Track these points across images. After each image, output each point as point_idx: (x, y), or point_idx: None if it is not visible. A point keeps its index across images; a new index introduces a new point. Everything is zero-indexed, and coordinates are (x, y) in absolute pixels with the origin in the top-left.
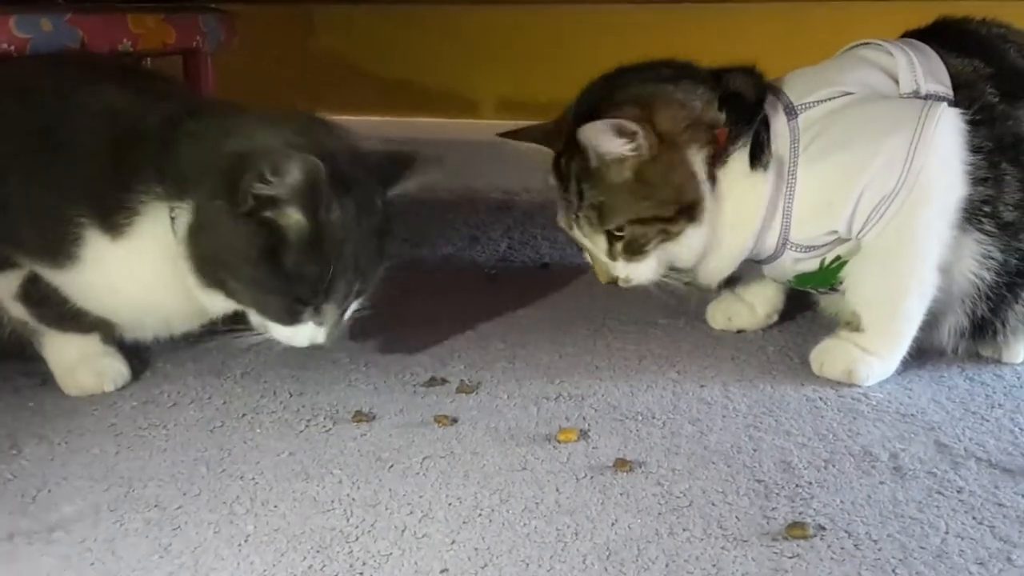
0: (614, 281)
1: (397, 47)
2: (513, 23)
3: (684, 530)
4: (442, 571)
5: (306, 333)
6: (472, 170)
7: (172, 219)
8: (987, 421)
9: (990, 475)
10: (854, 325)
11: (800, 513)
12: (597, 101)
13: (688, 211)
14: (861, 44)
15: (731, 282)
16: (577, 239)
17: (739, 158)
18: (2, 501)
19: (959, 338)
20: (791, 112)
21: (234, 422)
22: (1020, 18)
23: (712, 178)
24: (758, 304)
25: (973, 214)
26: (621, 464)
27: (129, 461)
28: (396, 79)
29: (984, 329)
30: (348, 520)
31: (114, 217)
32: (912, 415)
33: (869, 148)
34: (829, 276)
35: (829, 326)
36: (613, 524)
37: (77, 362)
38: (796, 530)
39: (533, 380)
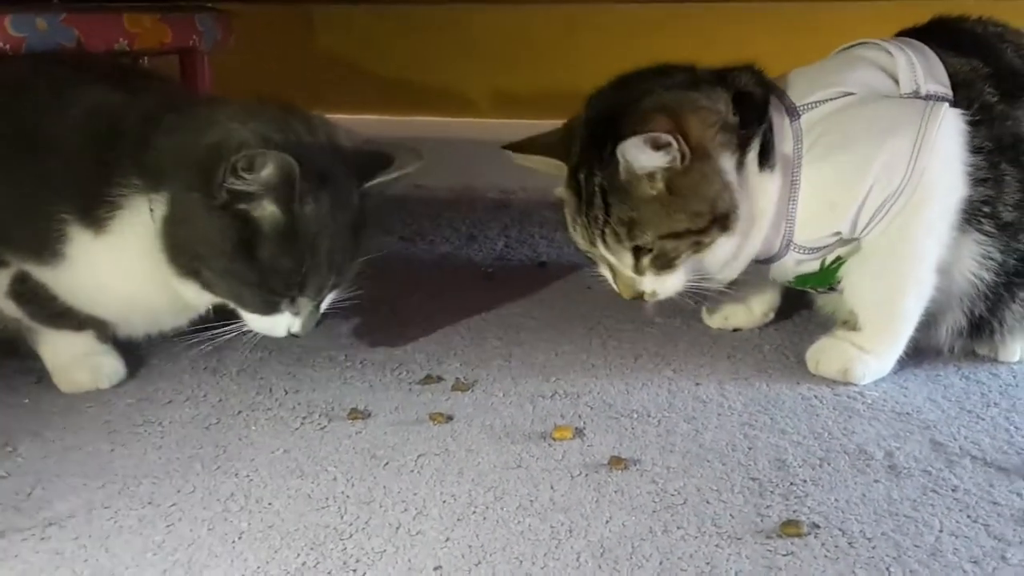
0: (639, 296)
1: (396, 46)
2: (513, 22)
3: (678, 528)
4: (436, 568)
5: (282, 323)
6: (470, 169)
7: (152, 212)
8: (982, 420)
9: (985, 474)
10: (851, 324)
11: (794, 511)
12: (618, 111)
13: (721, 221)
14: (859, 44)
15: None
16: (599, 255)
17: (751, 160)
18: None
19: (957, 337)
20: (793, 113)
21: (229, 419)
22: (1015, 16)
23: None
24: (754, 303)
25: (973, 215)
26: (616, 462)
27: (124, 458)
28: (395, 78)
29: (981, 328)
30: (342, 517)
31: (96, 212)
32: (908, 414)
33: (873, 149)
34: (829, 276)
35: (825, 325)
36: (607, 522)
37: (72, 359)
38: (790, 528)
39: (529, 378)
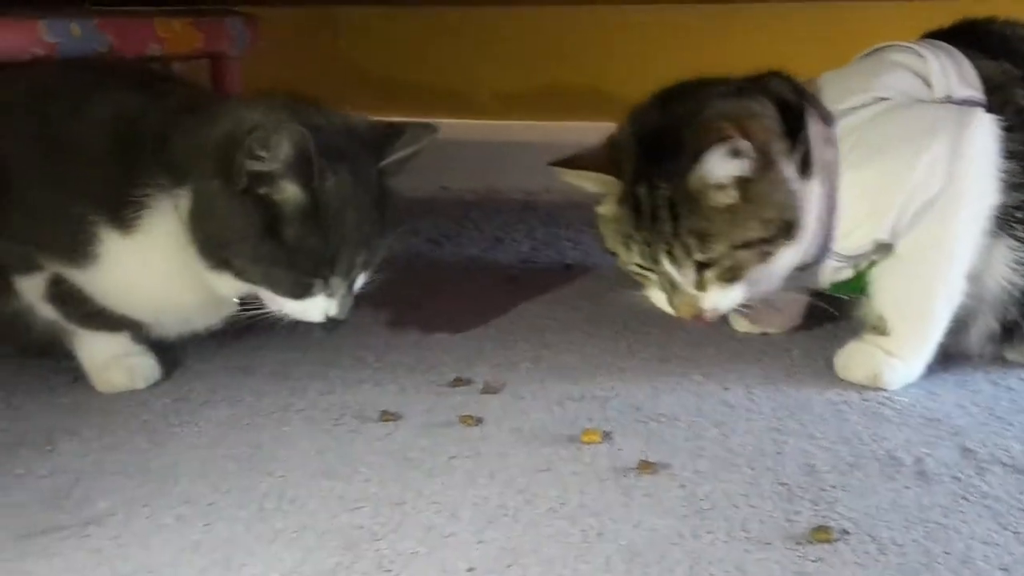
0: (698, 315)
1: (421, 49)
2: (539, 24)
3: (708, 532)
4: (469, 570)
5: (319, 306)
6: (495, 171)
7: (177, 209)
8: (1012, 426)
9: (1016, 481)
10: (880, 329)
11: (824, 517)
12: (674, 123)
13: (787, 228)
14: (889, 46)
15: None
16: (658, 273)
17: (794, 164)
18: (37, 496)
19: (988, 342)
20: (829, 119)
21: (263, 420)
22: None
23: None
24: (782, 307)
25: (1006, 221)
26: (645, 466)
27: (161, 457)
28: (420, 80)
29: (1013, 333)
30: (375, 518)
31: (123, 213)
32: (937, 420)
33: (912, 155)
34: (861, 281)
35: (853, 329)
36: (637, 525)
37: (108, 360)
38: (820, 534)
39: (557, 381)
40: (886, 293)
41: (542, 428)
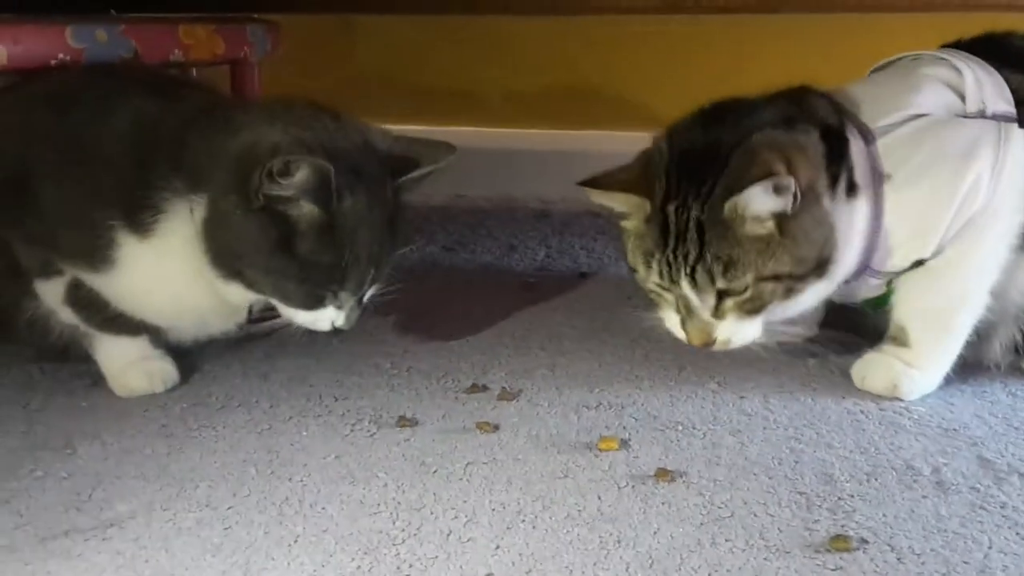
0: (709, 343)
1: (437, 56)
2: (554, 34)
3: (726, 540)
4: (487, 575)
5: (326, 317)
6: (510, 179)
7: (192, 213)
8: None
9: None
10: (900, 340)
11: (842, 526)
12: (719, 146)
13: (821, 267)
14: (922, 57)
15: None
16: (675, 295)
17: (840, 191)
18: (58, 498)
19: (1008, 353)
20: (869, 137)
21: (281, 425)
22: None
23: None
24: (798, 317)
25: None
26: (662, 474)
27: (180, 461)
28: (436, 88)
29: None
30: (394, 523)
31: (141, 217)
32: (954, 430)
33: (956, 173)
34: (890, 295)
35: (869, 339)
36: (655, 533)
37: (127, 364)
38: (839, 543)
39: (573, 388)
40: (910, 306)
41: (559, 435)
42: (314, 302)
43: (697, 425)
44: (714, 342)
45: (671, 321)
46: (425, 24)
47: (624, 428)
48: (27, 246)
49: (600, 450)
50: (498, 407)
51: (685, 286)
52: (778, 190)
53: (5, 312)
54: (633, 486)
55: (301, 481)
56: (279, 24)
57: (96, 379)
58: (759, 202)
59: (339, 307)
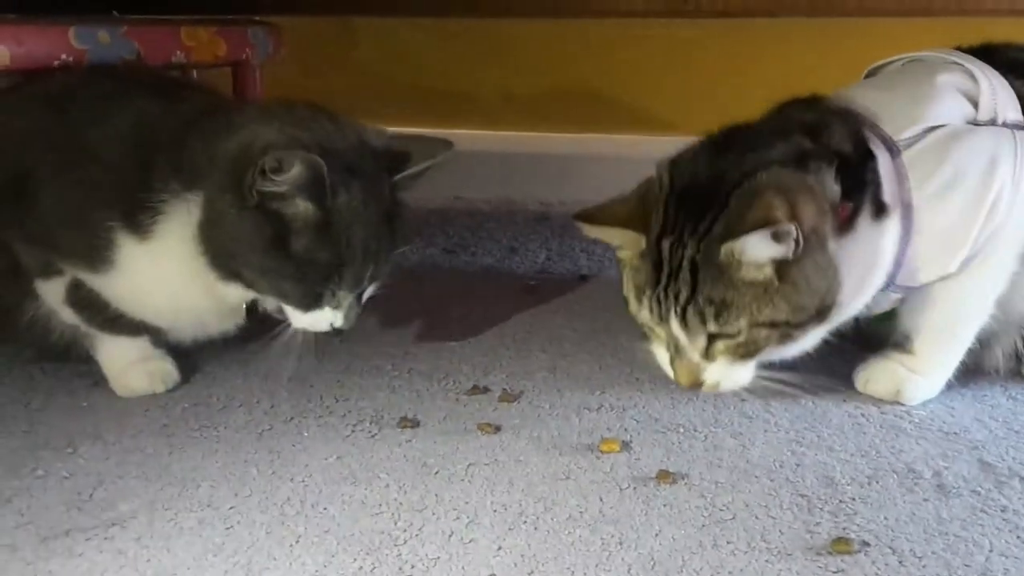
0: (697, 385)
1: (438, 59)
2: (553, 36)
3: (728, 543)
4: None
5: (325, 318)
6: (509, 181)
7: (190, 214)
8: None
9: None
10: (905, 347)
11: (844, 529)
12: (721, 182)
13: (823, 313)
14: (935, 61)
15: None
16: (665, 333)
17: (864, 216)
18: (60, 498)
19: (1010, 359)
20: (894, 151)
21: (282, 425)
22: None
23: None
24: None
25: None
26: (664, 476)
27: (182, 461)
28: (435, 90)
29: None
30: (396, 524)
31: (139, 218)
32: (955, 433)
33: (982, 186)
34: (897, 305)
35: (868, 342)
36: (657, 535)
37: (128, 364)
38: (841, 545)
39: (574, 390)
40: (919, 316)
41: (560, 437)
42: (312, 301)
43: (698, 427)
44: (702, 384)
45: (661, 357)
46: (426, 26)
47: (625, 430)
48: (27, 246)
49: (602, 452)
50: (499, 409)
51: (675, 326)
52: (778, 237)
53: (6, 313)
54: (635, 488)
55: (303, 481)
56: (280, 27)
57: (97, 379)
58: (758, 248)
59: (337, 307)
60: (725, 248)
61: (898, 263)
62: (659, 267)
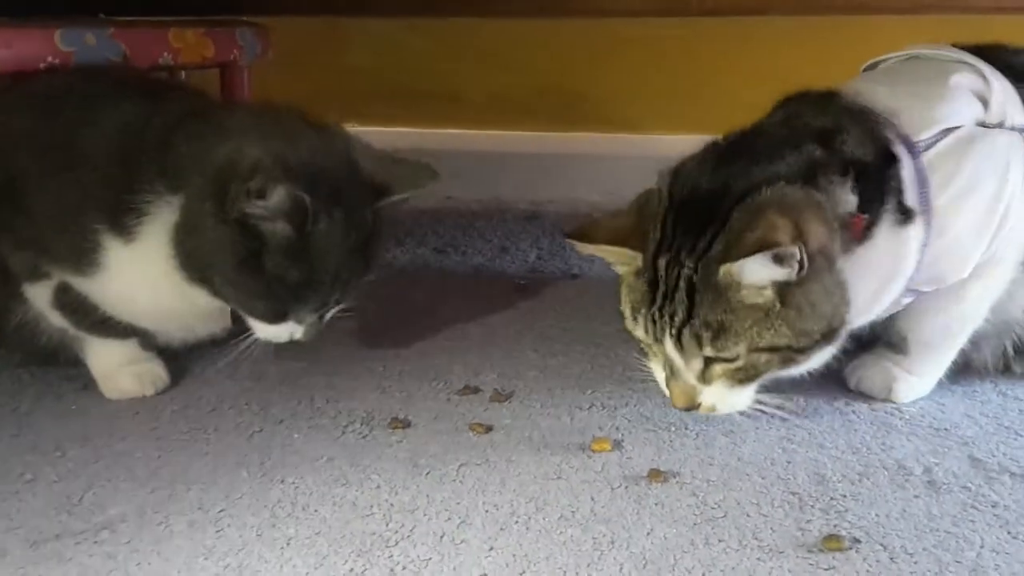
0: (693, 407)
1: (428, 59)
2: (545, 36)
3: (719, 541)
4: None
5: (286, 331)
6: (500, 181)
7: (173, 217)
8: (1021, 436)
9: None
10: (898, 347)
11: (835, 526)
12: (724, 196)
13: (829, 336)
14: (947, 61)
15: None
16: (663, 353)
17: (884, 223)
18: (49, 502)
19: (1000, 358)
20: (915, 151)
21: (272, 427)
22: None
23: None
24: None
25: None
26: (655, 475)
27: (172, 464)
28: (426, 90)
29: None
30: (387, 525)
31: (124, 220)
32: (945, 429)
33: (998, 189)
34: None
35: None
36: (648, 533)
37: (117, 367)
38: (832, 542)
39: (565, 390)
40: (916, 317)
41: (552, 436)
42: (276, 317)
43: (690, 426)
44: (699, 406)
45: (658, 375)
46: (414, 26)
47: (617, 429)
48: (14, 249)
49: (593, 451)
50: (490, 408)
51: (670, 347)
52: (780, 260)
53: None
54: (626, 487)
55: (293, 483)
56: (269, 27)
57: (86, 382)
58: (758, 271)
59: (300, 322)
60: (723, 270)
61: (918, 268)
62: (655, 286)
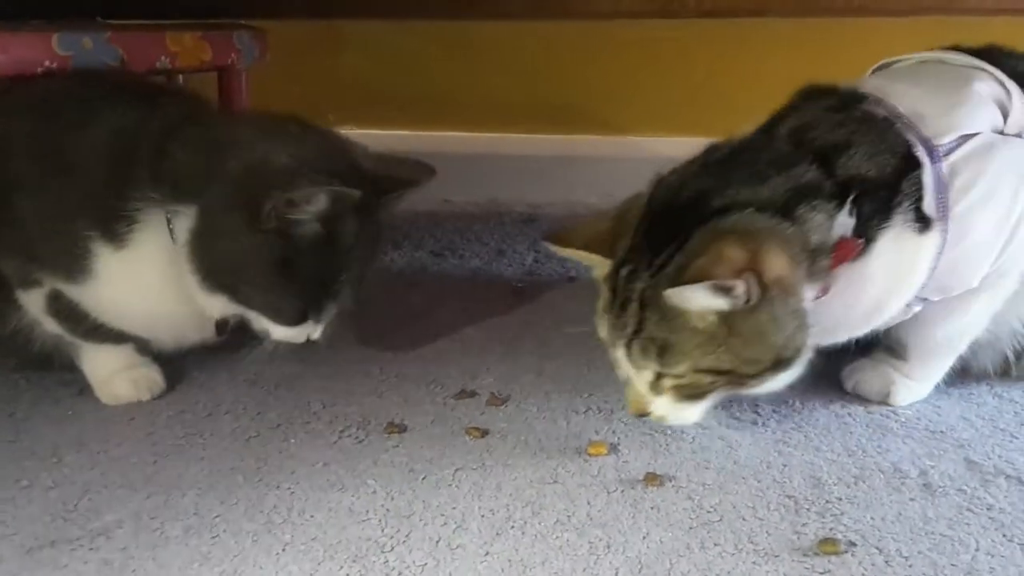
0: (644, 415)
1: (425, 62)
2: (541, 38)
3: (715, 544)
4: None
5: (304, 331)
6: (498, 184)
7: (169, 224)
8: (1016, 439)
9: (1020, 492)
10: (897, 352)
11: (831, 529)
12: (692, 211)
13: (780, 364)
14: (965, 66)
15: None
16: (617, 360)
17: (890, 233)
18: (45, 508)
19: (998, 364)
20: (935, 156)
21: (268, 432)
22: None
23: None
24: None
25: None
26: (651, 479)
27: (167, 470)
28: (424, 93)
29: (1021, 356)
30: (383, 530)
31: (115, 227)
32: (941, 432)
33: (1012, 199)
34: None
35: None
36: (644, 538)
37: (113, 372)
38: (828, 546)
39: (562, 393)
40: (918, 325)
41: (548, 440)
42: (300, 318)
43: (686, 430)
44: (649, 415)
45: (621, 378)
46: (411, 29)
47: (613, 433)
48: (7, 256)
49: (589, 455)
50: (487, 412)
51: (622, 356)
52: (721, 290)
53: None
54: (622, 491)
55: (289, 489)
56: (266, 31)
57: (82, 388)
58: (698, 299)
59: (318, 322)
60: (666, 294)
61: (931, 276)
62: (615, 294)
